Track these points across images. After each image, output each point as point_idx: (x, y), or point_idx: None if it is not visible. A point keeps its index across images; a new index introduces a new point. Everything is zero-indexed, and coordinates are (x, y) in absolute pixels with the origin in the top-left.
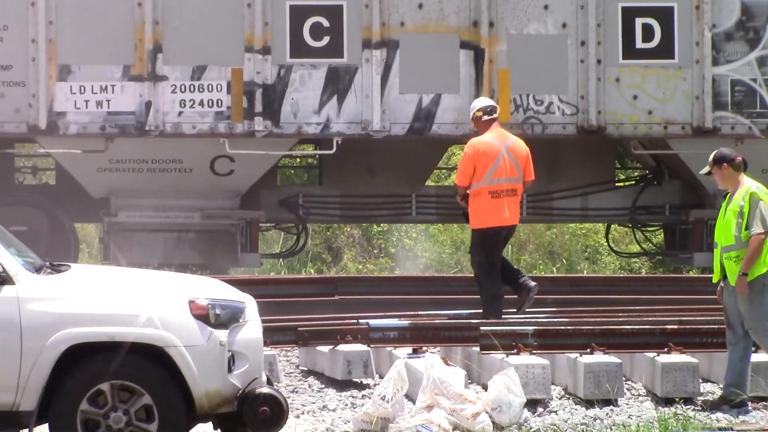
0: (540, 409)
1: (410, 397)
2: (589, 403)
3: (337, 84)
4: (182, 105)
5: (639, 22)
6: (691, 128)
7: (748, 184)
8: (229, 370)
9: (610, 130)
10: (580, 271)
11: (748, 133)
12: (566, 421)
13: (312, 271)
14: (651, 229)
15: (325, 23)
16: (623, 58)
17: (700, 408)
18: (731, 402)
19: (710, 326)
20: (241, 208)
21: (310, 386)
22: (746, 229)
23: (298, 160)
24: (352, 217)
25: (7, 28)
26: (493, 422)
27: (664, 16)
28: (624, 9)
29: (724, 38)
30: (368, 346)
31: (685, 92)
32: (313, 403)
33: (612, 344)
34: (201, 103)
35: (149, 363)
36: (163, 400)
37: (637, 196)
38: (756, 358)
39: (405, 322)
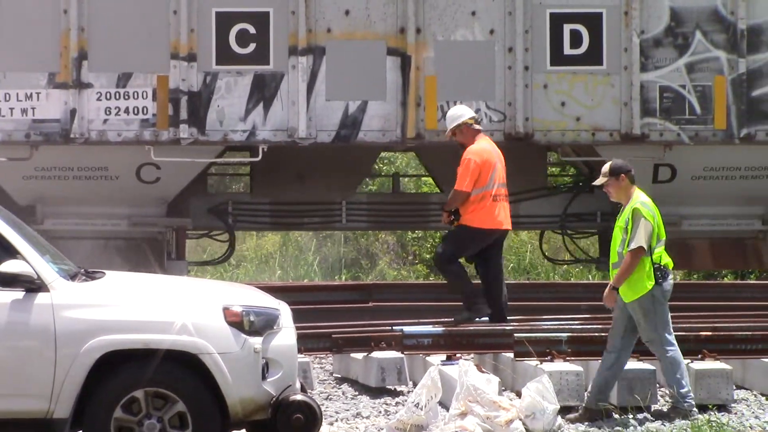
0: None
1: (444, 404)
2: (622, 410)
3: (263, 91)
4: (107, 112)
5: (567, 28)
6: (619, 135)
7: (636, 198)
8: (263, 378)
9: (538, 137)
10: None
11: (677, 140)
12: (600, 429)
13: (345, 278)
14: (583, 236)
15: (252, 30)
16: (551, 65)
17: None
18: (594, 410)
19: (744, 333)
20: (168, 216)
21: (343, 393)
22: (629, 245)
23: (230, 168)
24: (282, 224)
25: None
26: (527, 429)
27: (593, 22)
28: (552, 15)
29: (653, 44)
30: (402, 353)
31: (613, 99)
32: (347, 410)
33: (645, 351)
34: (126, 111)
35: (183, 370)
36: (197, 408)
37: (569, 204)
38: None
39: (439, 329)
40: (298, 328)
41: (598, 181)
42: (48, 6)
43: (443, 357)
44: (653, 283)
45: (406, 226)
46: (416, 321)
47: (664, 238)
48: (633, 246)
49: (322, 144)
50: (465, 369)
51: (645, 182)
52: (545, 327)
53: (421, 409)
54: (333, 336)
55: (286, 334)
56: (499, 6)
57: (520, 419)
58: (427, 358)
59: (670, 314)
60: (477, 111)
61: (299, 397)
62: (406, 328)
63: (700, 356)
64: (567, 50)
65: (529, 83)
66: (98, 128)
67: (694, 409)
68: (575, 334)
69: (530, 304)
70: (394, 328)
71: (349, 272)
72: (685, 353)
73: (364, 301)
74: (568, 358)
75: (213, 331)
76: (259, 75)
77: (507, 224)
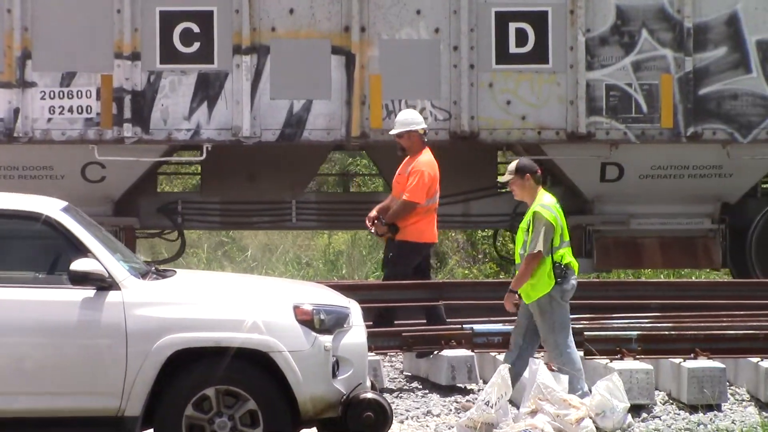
0: (644, 415)
1: (514, 403)
2: (692, 409)
3: (208, 90)
4: (51, 111)
5: (513, 26)
6: (565, 133)
7: (539, 200)
8: (334, 376)
9: (484, 135)
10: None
11: (624, 139)
12: (670, 427)
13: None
14: None
15: (196, 29)
16: (496, 63)
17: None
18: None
19: (736, 332)
20: (115, 215)
21: (414, 391)
22: (528, 248)
23: (180, 167)
24: (232, 223)
25: None
26: (597, 428)
27: (538, 20)
28: (497, 14)
29: (599, 43)
30: (472, 351)
31: (559, 97)
32: (417, 408)
33: (716, 349)
34: (71, 110)
35: (254, 368)
36: (268, 406)
37: (519, 202)
38: None
39: (509, 327)
40: (368, 327)
41: (503, 179)
42: None
43: None
44: (553, 282)
45: (356, 225)
46: (486, 319)
47: (568, 239)
48: (531, 250)
49: (267, 143)
50: (535, 367)
51: (593, 181)
52: (615, 325)
53: (492, 407)
54: (403, 334)
55: (357, 333)
56: (444, 4)
57: (590, 417)
58: (497, 356)
59: (570, 315)
60: (422, 110)
61: (370, 395)
62: (476, 326)
63: (692, 355)
64: (513, 49)
65: (474, 82)
66: (42, 127)
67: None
68: (645, 333)
69: (600, 302)
70: (464, 326)
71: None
72: (756, 352)
73: (435, 300)
74: (637, 357)
75: (284, 330)
76: (203, 74)
77: (436, 236)
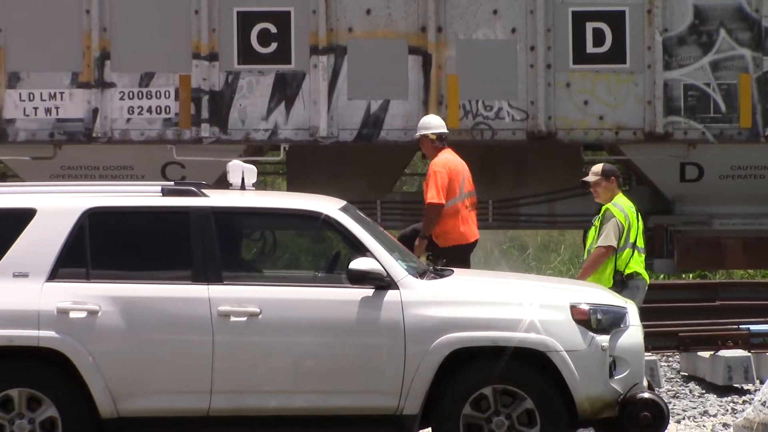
0: None
1: None
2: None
3: (285, 90)
4: (130, 112)
5: (590, 26)
6: (642, 133)
7: (614, 200)
8: (611, 375)
9: (561, 135)
10: None
11: (702, 139)
12: None
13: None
14: None
15: (273, 29)
16: (574, 63)
17: None
18: None
19: None
20: None
21: (690, 391)
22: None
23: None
24: None
25: None
26: None
27: (615, 20)
28: (574, 13)
29: (677, 42)
30: (749, 351)
31: (636, 97)
32: (694, 408)
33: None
34: (149, 110)
35: (531, 367)
36: (545, 405)
37: None
38: None
39: None
40: (644, 327)
41: (588, 179)
42: (71, 6)
43: None
44: (610, 286)
45: None
46: (763, 319)
47: (640, 245)
48: (601, 243)
49: (344, 143)
50: None
51: (672, 181)
52: None
53: None
54: (680, 335)
55: (633, 333)
56: (521, 4)
57: None
58: None
59: None
60: (499, 110)
61: (646, 394)
62: (753, 327)
63: None
64: (590, 49)
65: (551, 82)
66: (121, 127)
67: None
68: None
69: None
70: (740, 326)
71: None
72: None
73: (711, 300)
74: None
75: (560, 329)
76: (280, 74)
77: (477, 233)
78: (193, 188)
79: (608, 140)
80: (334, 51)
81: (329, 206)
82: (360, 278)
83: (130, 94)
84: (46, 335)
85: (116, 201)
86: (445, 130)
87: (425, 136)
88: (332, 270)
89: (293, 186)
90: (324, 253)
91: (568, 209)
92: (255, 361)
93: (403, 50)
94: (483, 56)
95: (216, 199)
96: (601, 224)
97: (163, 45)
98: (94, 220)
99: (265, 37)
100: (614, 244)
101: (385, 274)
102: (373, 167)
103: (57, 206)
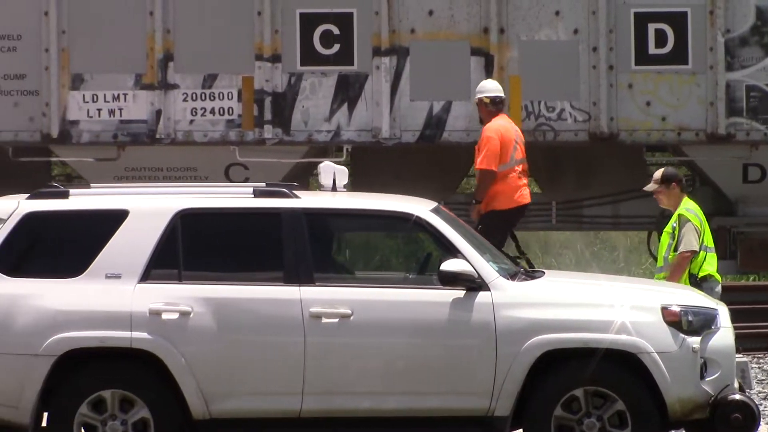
0: None
1: None
2: None
3: (348, 91)
4: (193, 113)
5: (652, 27)
6: (705, 134)
7: (684, 205)
8: (702, 377)
9: (623, 136)
10: None
11: (764, 140)
12: None
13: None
14: None
15: (335, 31)
16: (636, 64)
17: None
18: None
19: None
20: None
21: None
22: (675, 250)
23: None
24: None
25: (21, 38)
26: None
27: (678, 21)
28: (636, 14)
29: (739, 43)
30: None
31: (699, 98)
32: None
33: None
34: (212, 111)
35: (622, 369)
36: (636, 407)
37: None
38: None
39: None
40: (735, 328)
41: (648, 187)
42: (134, 8)
43: None
44: None
45: None
46: None
47: (712, 246)
48: (682, 249)
49: (407, 144)
50: None
51: (735, 182)
52: None
53: None
54: None
55: (725, 334)
56: (583, 5)
57: None
58: None
59: None
60: (561, 111)
61: (738, 396)
62: None
63: None
64: (652, 50)
65: (613, 83)
66: (184, 129)
67: None
68: None
69: None
70: None
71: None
72: None
73: None
74: None
75: (651, 331)
76: (343, 75)
77: (529, 197)
78: (285, 189)
79: (670, 141)
80: (397, 52)
81: (420, 208)
82: (451, 279)
83: (194, 95)
84: (138, 336)
85: (208, 202)
86: (501, 95)
87: (480, 100)
88: (423, 271)
89: (357, 187)
90: (414, 254)
91: (631, 210)
92: (346, 362)
93: (465, 51)
94: (545, 57)
95: (308, 200)
96: (679, 230)
97: (226, 46)
98: (186, 222)
99: (327, 39)
100: (696, 248)
101: (476, 275)
102: (436, 168)
103: (149, 207)
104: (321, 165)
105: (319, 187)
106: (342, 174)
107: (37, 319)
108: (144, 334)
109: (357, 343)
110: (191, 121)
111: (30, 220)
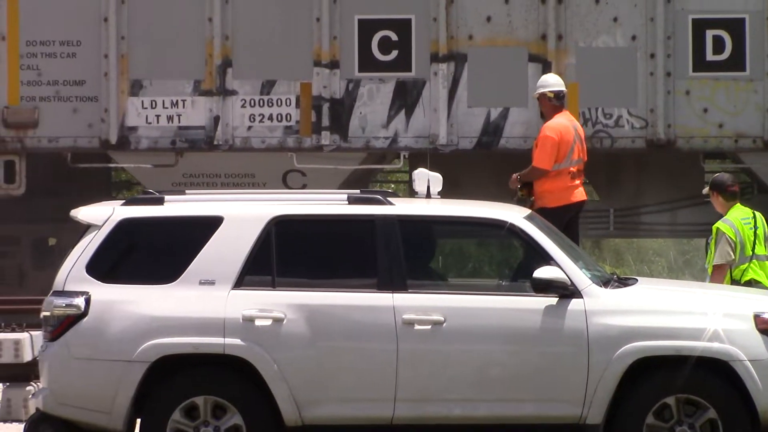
0: None
1: None
2: None
3: (405, 98)
4: (252, 119)
5: (709, 34)
6: (762, 141)
7: (727, 215)
8: None
9: (680, 143)
10: None
11: None
12: None
13: None
14: None
15: (394, 37)
16: (693, 71)
17: None
18: None
19: None
20: None
21: None
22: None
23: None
24: None
25: (80, 44)
26: None
27: (735, 27)
28: (694, 21)
29: None
30: None
31: (756, 105)
32: None
33: None
34: (270, 118)
35: (714, 377)
36: (728, 415)
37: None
38: None
39: None
40: None
41: (705, 190)
42: (193, 14)
43: None
44: None
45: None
46: None
47: (760, 253)
48: (715, 261)
49: (464, 151)
50: None
51: None
52: None
53: None
54: None
55: None
56: (641, 12)
57: None
58: None
59: None
60: (619, 118)
61: None
62: None
63: None
64: (709, 56)
65: (671, 89)
66: (242, 135)
67: None
68: None
69: None
70: None
71: None
72: None
73: None
74: None
75: (744, 338)
76: (401, 82)
77: (583, 196)
78: (379, 196)
79: (727, 148)
80: (455, 58)
81: (514, 215)
82: (544, 287)
83: (252, 101)
84: (231, 343)
85: (302, 209)
86: (563, 89)
87: (543, 95)
88: (515, 278)
89: (414, 193)
90: (507, 261)
91: (689, 218)
92: (439, 369)
93: (523, 58)
94: (603, 64)
95: (402, 207)
96: (715, 242)
97: (285, 53)
98: (280, 228)
99: (385, 45)
100: (728, 260)
101: (569, 282)
102: (494, 175)
103: (244, 214)
104: (415, 172)
105: (413, 193)
106: (436, 181)
107: (131, 325)
108: (237, 341)
109: (449, 350)
110: (249, 128)
111: (125, 226)
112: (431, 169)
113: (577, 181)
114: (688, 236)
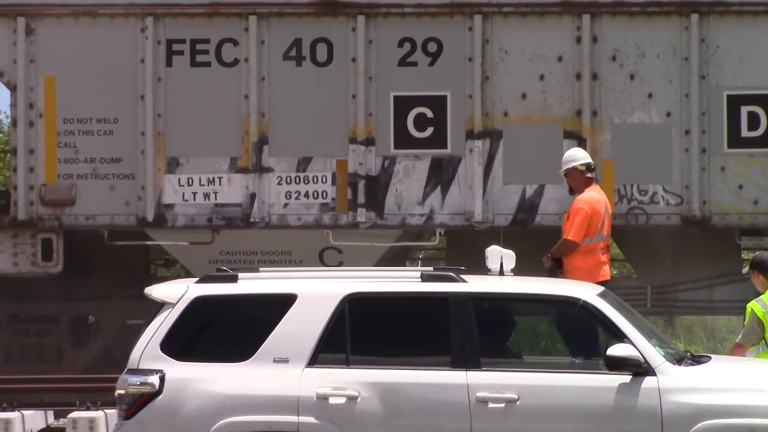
0: None
1: None
2: None
3: (441, 175)
4: (288, 197)
5: (744, 110)
6: None
7: (763, 295)
8: None
9: (715, 220)
10: None
11: None
12: None
13: None
14: None
15: (429, 114)
16: (728, 147)
17: None
18: None
19: None
20: None
21: None
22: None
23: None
24: None
25: (117, 121)
26: None
27: None
28: (729, 97)
29: None
30: None
31: None
32: None
33: None
34: (306, 195)
35: None
36: None
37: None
38: None
39: None
40: None
41: (744, 270)
42: (229, 91)
43: None
44: None
45: None
46: None
47: None
48: (739, 340)
49: (499, 228)
50: None
51: None
52: None
53: None
54: None
55: None
56: (676, 88)
57: None
58: None
59: None
60: (654, 194)
61: None
62: None
63: None
64: (744, 132)
65: (706, 166)
66: (278, 212)
67: None
68: None
69: None
70: None
71: None
72: None
73: None
74: None
75: None
76: (436, 159)
77: (608, 275)
78: (452, 274)
79: (763, 225)
80: (490, 135)
81: (588, 292)
82: (617, 364)
83: (288, 178)
84: (305, 421)
85: (376, 286)
86: (591, 161)
87: (574, 169)
88: (589, 356)
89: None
90: (582, 338)
91: (726, 295)
92: None
93: (558, 134)
94: (638, 140)
95: (475, 284)
96: (745, 320)
97: (320, 130)
98: (353, 306)
99: (421, 122)
100: (749, 342)
101: (642, 360)
102: (531, 251)
103: (317, 292)
104: (488, 249)
105: (486, 271)
106: (509, 258)
107: (206, 403)
108: (311, 419)
109: (523, 428)
110: (285, 205)
111: (199, 304)
112: (469, 245)
113: (604, 258)
114: (726, 314)
